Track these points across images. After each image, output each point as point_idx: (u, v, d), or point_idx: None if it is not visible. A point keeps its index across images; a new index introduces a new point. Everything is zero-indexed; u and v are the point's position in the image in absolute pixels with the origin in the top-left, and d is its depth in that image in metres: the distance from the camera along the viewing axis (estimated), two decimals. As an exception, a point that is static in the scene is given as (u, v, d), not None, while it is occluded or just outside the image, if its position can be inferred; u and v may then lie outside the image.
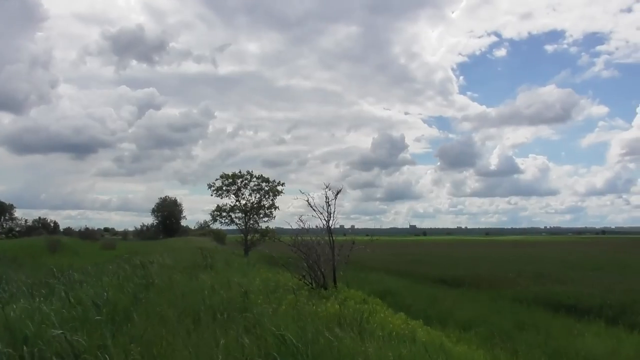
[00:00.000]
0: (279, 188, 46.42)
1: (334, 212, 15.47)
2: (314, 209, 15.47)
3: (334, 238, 15.24)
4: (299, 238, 15.58)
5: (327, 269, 15.19)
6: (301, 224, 15.90)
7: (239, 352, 6.10)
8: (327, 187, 15.25)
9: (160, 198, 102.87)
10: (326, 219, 15.43)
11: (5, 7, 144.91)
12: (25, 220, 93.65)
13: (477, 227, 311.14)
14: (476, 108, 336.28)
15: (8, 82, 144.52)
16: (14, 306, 7.94)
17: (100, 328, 6.58)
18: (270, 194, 45.99)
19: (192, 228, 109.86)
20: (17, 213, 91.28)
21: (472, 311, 17.35)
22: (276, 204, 46.56)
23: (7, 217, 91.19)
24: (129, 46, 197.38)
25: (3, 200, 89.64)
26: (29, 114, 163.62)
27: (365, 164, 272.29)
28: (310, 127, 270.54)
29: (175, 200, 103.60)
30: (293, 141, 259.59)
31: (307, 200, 15.47)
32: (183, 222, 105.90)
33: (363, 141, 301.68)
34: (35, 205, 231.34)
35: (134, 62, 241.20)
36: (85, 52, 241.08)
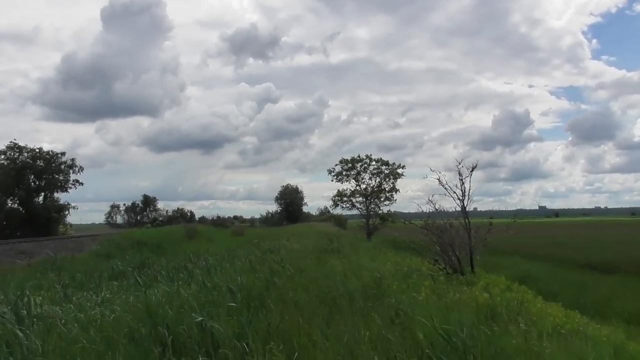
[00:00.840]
0: (399, 171, 45.25)
1: (470, 190, 14.13)
2: (445, 188, 14.27)
3: (469, 220, 13.94)
4: (430, 221, 14.49)
5: (462, 254, 13.98)
6: (431, 205, 14.77)
7: (384, 345, 5.39)
8: (459, 163, 13.95)
9: (282, 186, 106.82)
10: (460, 198, 14.16)
11: (137, 22, 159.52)
12: (167, 211, 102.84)
13: (619, 206, 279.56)
14: (614, 73, 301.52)
15: (145, 89, 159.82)
16: (156, 290, 8.07)
17: (236, 314, 6.29)
18: (391, 177, 44.96)
19: (314, 214, 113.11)
20: (160, 205, 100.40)
21: (637, 302, 14.97)
22: (397, 187, 45.49)
23: (151, 209, 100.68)
24: (245, 45, 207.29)
25: (148, 194, 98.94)
26: (164, 116, 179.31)
27: (486, 143, 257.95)
28: (425, 108, 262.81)
29: (296, 188, 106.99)
30: (408, 124, 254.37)
31: (439, 179, 14.29)
32: (304, 209, 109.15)
33: (483, 119, 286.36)
34: (174, 197, 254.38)
35: (250, 60, 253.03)
36: (206, 55, 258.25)
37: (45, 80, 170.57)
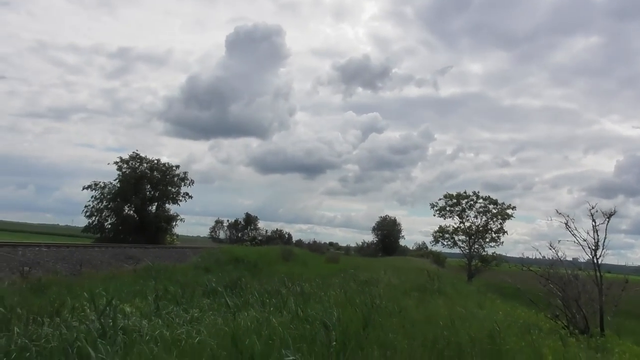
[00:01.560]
0: (509, 211, 42.16)
1: (605, 240, 12.16)
2: (573, 234, 12.43)
3: (601, 274, 11.97)
4: (551, 269, 12.69)
5: (589, 311, 12.02)
6: (552, 251, 12.97)
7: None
8: (592, 207, 12.07)
9: (380, 217, 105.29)
10: (592, 247, 12.24)
11: (258, 49, 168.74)
12: (266, 231, 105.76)
13: None
14: None
15: (257, 112, 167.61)
16: (246, 314, 7.53)
17: (330, 355, 5.47)
18: (499, 217, 42.02)
19: (410, 248, 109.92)
20: (260, 224, 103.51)
21: None
22: (504, 228, 42.40)
23: (252, 227, 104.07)
24: (356, 75, 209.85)
25: (250, 212, 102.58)
26: (272, 138, 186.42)
27: (607, 190, 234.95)
28: (539, 148, 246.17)
29: (395, 220, 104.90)
30: (518, 164, 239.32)
31: (566, 223, 12.50)
32: (401, 242, 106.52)
33: (604, 164, 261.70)
34: (275, 218, 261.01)
35: (359, 89, 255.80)
36: (317, 83, 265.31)
37: (170, 98, 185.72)
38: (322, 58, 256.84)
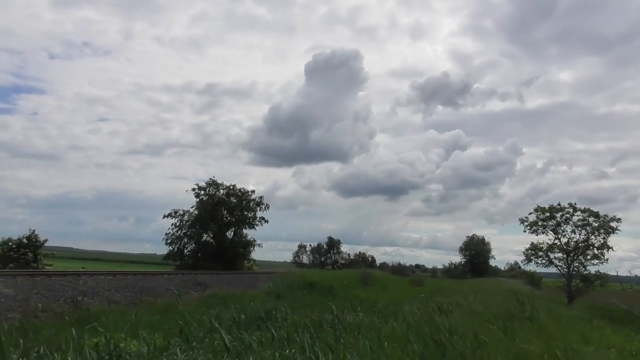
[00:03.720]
0: (613, 224, 37.26)
1: None
2: None
3: None
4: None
5: None
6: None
7: None
8: None
9: (468, 236, 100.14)
10: None
11: (336, 74, 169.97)
12: (349, 255, 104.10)
13: None
14: None
15: (337, 136, 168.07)
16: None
17: None
18: (601, 231, 37.25)
19: (502, 269, 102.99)
20: (343, 248, 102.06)
21: None
22: (609, 244, 37.49)
23: (335, 251, 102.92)
24: (435, 93, 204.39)
25: (333, 236, 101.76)
26: (353, 162, 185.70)
27: None
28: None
29: (483, 239, 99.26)
30: (619, 174, 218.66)
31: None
32: (492, 262, 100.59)
33: None
34: (359, 241, 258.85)
35: (439, 108, 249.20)
36: (396, 104, 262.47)
37: (254, 128, 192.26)
38: (401, 79, 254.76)
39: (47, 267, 31.88)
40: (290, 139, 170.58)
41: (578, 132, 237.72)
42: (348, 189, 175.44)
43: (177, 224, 46.02)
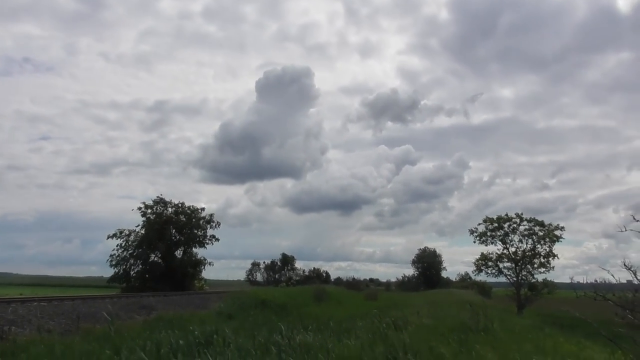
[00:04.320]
0: (557, 232, 38.47)
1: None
2: None
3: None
4: (633, 294, 9.86)
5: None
6: (631, 274, 10.13)
7: None
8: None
9: (420, 249, 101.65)
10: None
11: (287, 91, 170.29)
12: (303, 271, 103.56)
13: None
14: None
15: (290, 153, 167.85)
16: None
17: None
18: (547, 239, 38.36)
19: (453, 280, 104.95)
20: (298, 264, 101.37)
21: None
22: (554, 252, 38.64)
23: (289, 268, 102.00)
24: (385, 109, 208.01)
25: (288, 253, 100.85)
26: (306, 178, 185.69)
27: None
28: (579, 169, 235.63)
29: (435, 252, 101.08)
30: (559, 186, 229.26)
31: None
32: (443, 274, 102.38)
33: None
34: (313, 257, 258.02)
35: (389, 124, 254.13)
36: (347, 120, 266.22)
37: (205, 146, 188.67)
38: (351, 95, 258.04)
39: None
40: (242, 155, 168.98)
41: (521, 146, 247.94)
42: (301, 205, 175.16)
43: (123, 245, 44.07)
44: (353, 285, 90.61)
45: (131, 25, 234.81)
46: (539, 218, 39.94)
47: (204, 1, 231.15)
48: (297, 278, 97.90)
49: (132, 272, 43.92)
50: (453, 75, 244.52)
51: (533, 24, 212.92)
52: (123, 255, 43.65)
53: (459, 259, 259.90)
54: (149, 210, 45.77)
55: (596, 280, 11.11)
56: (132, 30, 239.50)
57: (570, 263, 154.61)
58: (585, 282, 12.42)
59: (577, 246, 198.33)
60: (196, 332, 11.04)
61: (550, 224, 39.19)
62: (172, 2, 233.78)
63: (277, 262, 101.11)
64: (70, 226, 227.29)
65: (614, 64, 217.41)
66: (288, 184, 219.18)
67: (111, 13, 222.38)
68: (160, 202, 46.59)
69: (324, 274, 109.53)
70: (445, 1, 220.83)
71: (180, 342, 10.12)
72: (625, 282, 10.83)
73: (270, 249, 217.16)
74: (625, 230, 9.74)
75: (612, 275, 10.23)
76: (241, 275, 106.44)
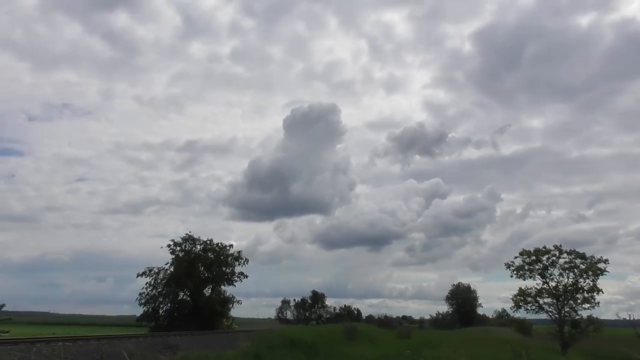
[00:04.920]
0: (601, 265, 36.47)
1: None
2: None
3: None
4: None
5: None
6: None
7: None
8: None
9: (453, 285, 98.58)
10: None
11: (315, 128, 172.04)
12: (334, 308, 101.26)
13: None
14: None
15: (318, 189, 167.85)
16: None
17: None
18: (590, 273, 36.39)
19: (490, 317, 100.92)
20: (328, 301, 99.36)
21: None
22: (599, 286, 36.56)
23: (319, 305, 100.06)
24: (412, 143, 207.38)
25: (318, 290, 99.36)
26: (334, 214, 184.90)
27: None
28: (618, 198, 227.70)
29: (469, 287, 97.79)
30: (597, 217, 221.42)
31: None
32: (479, 311, 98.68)
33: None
34: (343, 294, 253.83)
35: (417, 157, 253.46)
36: (374, 155, 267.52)
37: (234, 183, 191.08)
38: (378, 130, 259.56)
39: (2, 334, 29.34)
40: (271, 192, 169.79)
41: (553, 176, 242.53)
42: (330, 241, 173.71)
43: (152, 283, 43.88)
44: (385, 323, 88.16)
45: (163, 69, 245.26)
46: (579, 250, 38.15)
47: (232, 43, 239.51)
48: (328, 316, 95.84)
49: (160, 311, 43.54)
50: (480, 108, 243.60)
51: (559, 53, 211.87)
52: (152, 293, 43.38)
53: (495, 294, 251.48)
54: (178, 248, 45.68)
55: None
56: (163, 74, 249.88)
57: (614, 298, 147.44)
58: (632, 318, 11.48)
59: (621, 280, 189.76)
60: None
61: (592, 256, 37.28)
62: (201, 46, 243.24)
63: (307, 300, 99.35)
64: (105, 265, 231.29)
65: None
66: (317, 220, 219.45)
67: (144, 59, 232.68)
68: (189, 239, 46.47)
69: (355, 312, 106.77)
70: (469, 34, 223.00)
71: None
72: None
73: (301, 286, 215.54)
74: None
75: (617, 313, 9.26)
76: (271, 314, 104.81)
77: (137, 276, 44.03)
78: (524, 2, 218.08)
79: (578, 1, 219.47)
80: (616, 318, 13.96)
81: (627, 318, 11.75)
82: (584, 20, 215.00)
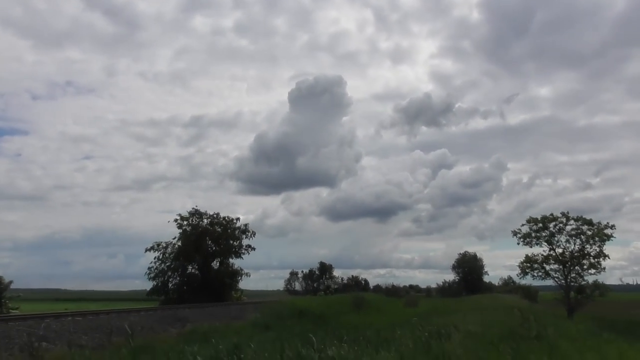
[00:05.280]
0: (608, 232, 36.32)
1: None
2: None
3: None
4: None
5: None
6: None
7: None
8: None
9: (460, 254, 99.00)
10: None
11: (320, 101, 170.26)
12: (342, 279, 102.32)
13: None
14: None
15: (324, 162, 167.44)
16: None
17: None
18: (596, 239, 36.26)
19: (496, 284, 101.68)
20: (336, 272, 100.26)
21: None
22: (605, 252, 36.47)
23: (327, 276, 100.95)
24: (418, 114, 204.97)
25: (325, 261, 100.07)
26: (340, 186, 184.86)
27: None
28: (625, 166, 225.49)
29: (475, 256, 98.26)
30: (603, 185, 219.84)
31: None
32: (485, 279, 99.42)
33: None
34: (351, 265, 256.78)
35: (423, 128, 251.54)
36: (381, 127, 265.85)
37: (241, 158, 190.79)
38: (384, 102, 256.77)
39: (12, 311, 29.76)
40: (277, 166, 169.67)
41: (561, 145, 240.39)
42: (337, 213, 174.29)
43: (160, 257, 44.23)
44: (392, 292, 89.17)
45: (166, 44, 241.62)
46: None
47: (235, 16, 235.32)
48: (336, 286, 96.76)
49: (170, 285, 44.02)
50: (487, 77, 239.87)
51: (568, 20, 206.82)
52: (161, 267, 43.78)
53: (501, 263, 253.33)
54: (185, 222, 45.83)
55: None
56: (167, 49, 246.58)
57: (619, 264, 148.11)
58: (635, 283, 11.17)
59: (625, 246, 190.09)
60: (220, 346, 10.40)
61: (599, 223, 37.11)
62: (204, 19, 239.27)
63: (315, 271, 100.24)
64: (114, 241, 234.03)
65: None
66: (323, 192, 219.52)
67: (147, 34, 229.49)
68: (196, 213, 46.58)
69: (363, 282, 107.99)
70: (476, 2, 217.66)
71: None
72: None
73: (308, 258, 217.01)
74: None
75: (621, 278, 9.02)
76: (280, 285, 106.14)
77: (146, 251, 44.41)
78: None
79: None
80: (619, 283, 13.59)
81: (631, 283, 11.41)
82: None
